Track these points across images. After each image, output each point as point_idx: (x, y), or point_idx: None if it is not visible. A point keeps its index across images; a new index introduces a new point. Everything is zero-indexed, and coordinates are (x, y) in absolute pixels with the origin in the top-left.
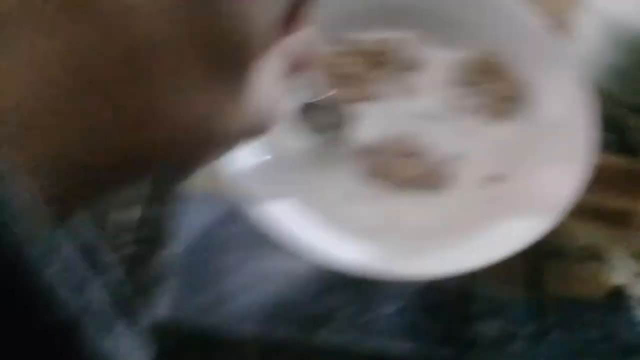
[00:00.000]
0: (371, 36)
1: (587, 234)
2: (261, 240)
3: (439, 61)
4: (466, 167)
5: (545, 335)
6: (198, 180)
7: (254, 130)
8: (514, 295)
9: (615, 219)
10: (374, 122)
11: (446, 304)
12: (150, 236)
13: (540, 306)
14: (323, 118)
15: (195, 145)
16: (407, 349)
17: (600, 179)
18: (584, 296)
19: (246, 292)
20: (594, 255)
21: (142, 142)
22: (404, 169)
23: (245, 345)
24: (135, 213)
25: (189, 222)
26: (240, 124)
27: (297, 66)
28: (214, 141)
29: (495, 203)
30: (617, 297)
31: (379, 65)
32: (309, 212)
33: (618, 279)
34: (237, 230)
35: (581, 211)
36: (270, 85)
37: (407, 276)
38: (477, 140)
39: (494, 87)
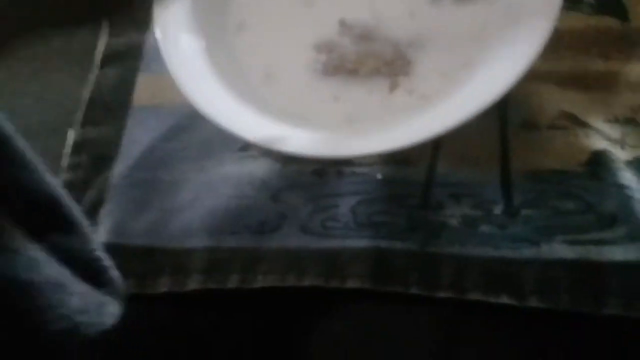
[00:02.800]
0: None
1: (563, 101)
2: (205, 153)
3: None
4: (426, 55)
5: (516, 214)
6: (142, 93)
7: None
8: (480, 175)
9: (594, 84)
10: (328, 10)
11: (406, 193)
12: (95, 156)
13: (509, 182)
14: None
15: None
16: (363, 246)
17: (576, 42)
18: (558, 167)
19: (192, 207)
20: (570, 123)
21: None
22: (360, 61)
23: (193, 256)
24: (81, 134)
25: (134, 138)
26: None
27: None
28: None
29: (453, 78)
30: (596, 164)
31: None
32: (259, 107)
33: (597, 146)
34: (181, 145)
35: (557, 77)
36: None
37: (366, 151)
38: (439, 25)
39: None
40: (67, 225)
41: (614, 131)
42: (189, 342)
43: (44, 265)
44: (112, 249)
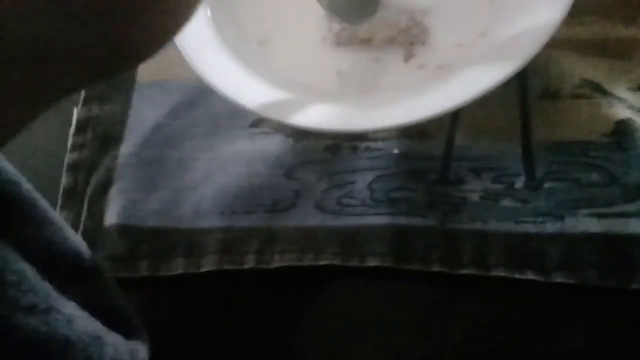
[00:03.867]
0: None
1: (585, 69)
2: (215, 129)
3: None
4: (442, 24)
5: (539, 187)
6: (147, 68)
7: None
8: (501, 148)
9: (616, 51)
10: None
11: (424, 168)
12: (101, 135)
13: (531, 155)
14: None
15: None
16: (382, 223)
17: (597, 7)
18: (581, 138)
19: (203, 186)
20: (592, 92)
21: None
22: (373, 30)
23: (206, 236)
24: (85, 112)
25: (140, 115)
26: None
27: None
28: None
29: (470, 48)
30: (620, 134)
31: None
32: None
33: (621, 115)
34: (190, 121)
35: (577, 44)
36: None
37: (383, 125)
38: None
39: None
40: (90, 278)
41: (637, 99)
42: (204, 324)
43: (79, 320)
44: (122, 231)
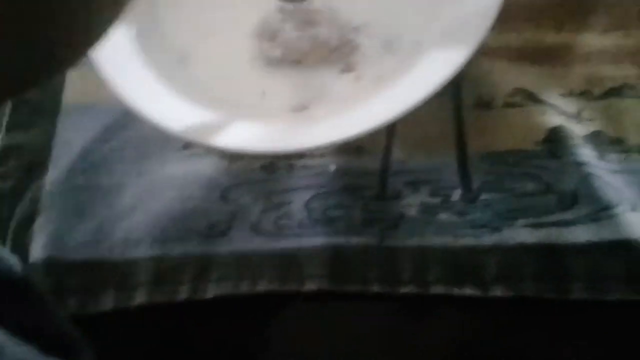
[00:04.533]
0: None
1: (517, 77)
2: (145, 153)
3: None
4: (374, 36)
5: (475, 199)
6: (73, 91)
7: None
8: (437, 160)
9: (547, 57)
10: None
11: (362, 184)
12: (25, 163)
13: (465, 168)
14: None
15: None
16: (319, 244)
17: (528, 13)
18: (515, 147)
19: (134, 214)
20: (525, 100)
21: None
22: (305, 53)
23: (138, 267)
24: (8, 140)
25: (66, 140)
26: None
27: None
28: None
29: (403, 58)
30: (553, 141)
31: None
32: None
33: (553, 122)
34: (119, 145)
35: (509, 52)
36: None
37: (316, 143)
38: (385, 2)
39: None
40: (24, 296)
41: (569, 105)
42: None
43: (8, 348)
44: (49, 265)
